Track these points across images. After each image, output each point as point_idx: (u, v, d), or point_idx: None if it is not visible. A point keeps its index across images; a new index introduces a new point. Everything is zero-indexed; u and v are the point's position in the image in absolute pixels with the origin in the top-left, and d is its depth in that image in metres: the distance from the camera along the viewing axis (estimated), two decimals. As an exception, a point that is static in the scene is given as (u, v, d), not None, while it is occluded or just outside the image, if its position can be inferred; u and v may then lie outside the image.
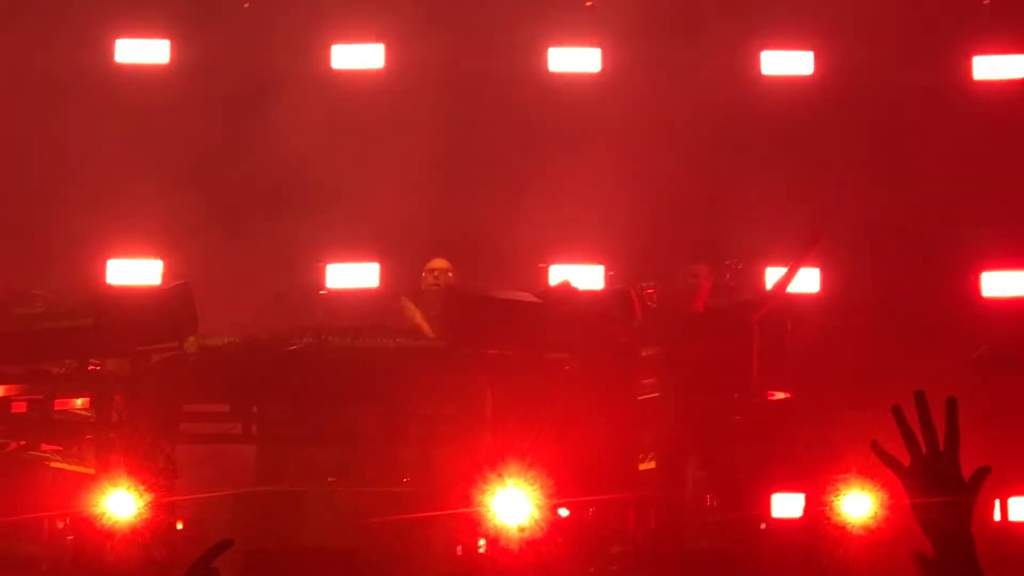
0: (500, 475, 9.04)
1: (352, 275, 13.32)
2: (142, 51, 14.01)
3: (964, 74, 13.91)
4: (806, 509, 10.50)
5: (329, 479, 10.70)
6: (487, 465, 9.14)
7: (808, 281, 13.08)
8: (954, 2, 13.96)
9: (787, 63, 13.93)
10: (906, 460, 2.88)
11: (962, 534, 2.81)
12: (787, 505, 11.06)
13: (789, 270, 10.84)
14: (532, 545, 8.95)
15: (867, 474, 9.63)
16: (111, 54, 13.97)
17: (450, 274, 11.04)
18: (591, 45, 13.91)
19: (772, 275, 12.82)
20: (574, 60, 13.92)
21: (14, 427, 10.40)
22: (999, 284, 13.58)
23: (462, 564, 9.62)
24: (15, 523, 10.30)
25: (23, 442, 10.59)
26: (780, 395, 11.08)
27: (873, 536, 9.40)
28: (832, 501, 9.67)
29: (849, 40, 13.78)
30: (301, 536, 10.35)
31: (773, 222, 12.97)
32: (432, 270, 11.01)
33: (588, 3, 13.97)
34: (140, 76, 13.91)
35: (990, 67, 14.02)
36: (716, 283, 10.88)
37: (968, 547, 2.80)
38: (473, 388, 9.89)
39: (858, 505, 9.63)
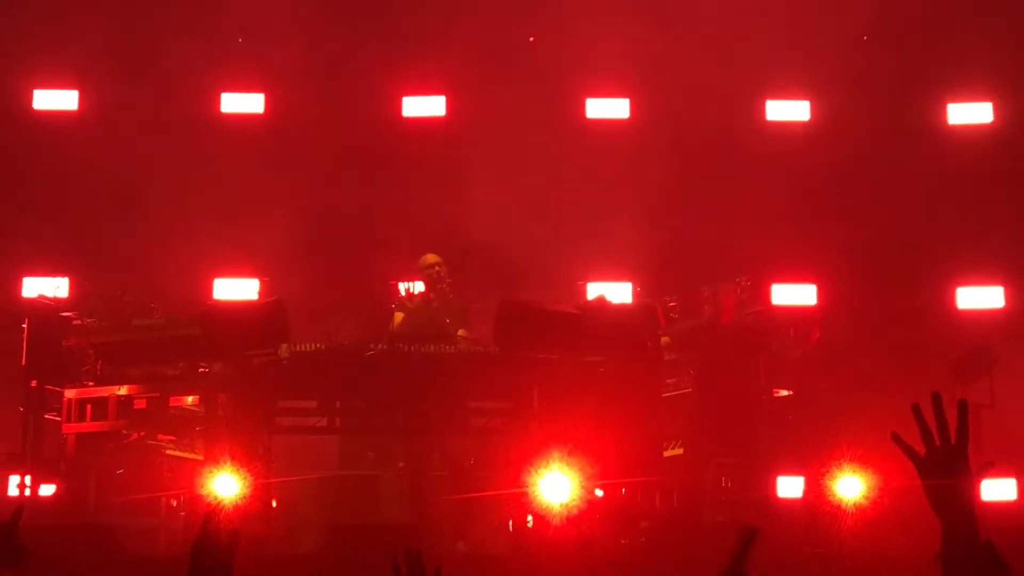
0: (546, 461, 9.05)
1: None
2: (242, 103, 14.08)
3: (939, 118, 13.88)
4: (806, 490, 10.45)
5: (400, 464, 10.73)
6: (535, 452, 9.15)
7: (807, 295, 13.08)
8: (930, 55, 13.89)
9: (787, 111, 13.91)
10: (921, 450, 2.92)
11: (968, 513, 2.84)
12: (790, 486, 11.02)
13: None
14: (573, 521, 8.96)
15: (859, 460, 9.61)
16: (217, 105, 14.06)
17: (443, 267, 11.00)
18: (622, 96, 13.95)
19: (777, 291, 12.83)
20: (607, 108, 13.94)
21: (135, 420, 10.33)
22: (971, 298, 13.56)
23: (513, 537, 9.62)
24: (137, 501, 10.38)
25: (143, 433, 10.60)
26: (784, 392, 11.05)
27: (863, 514, 9.38)
28: (828, 483, 9.65)
29: (839, 90, 13.74)
30: (375, 513, 10.40)
31: (777, 245, 12.98)
32: (431, 266, 10.94)
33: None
34: (240, 125, 13.97)
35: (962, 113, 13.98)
36: (731, 298, 10.86)
37: (972, 523, 2.83)
38: (522, 386, 9.87)
39: (850, 487, 9.59)
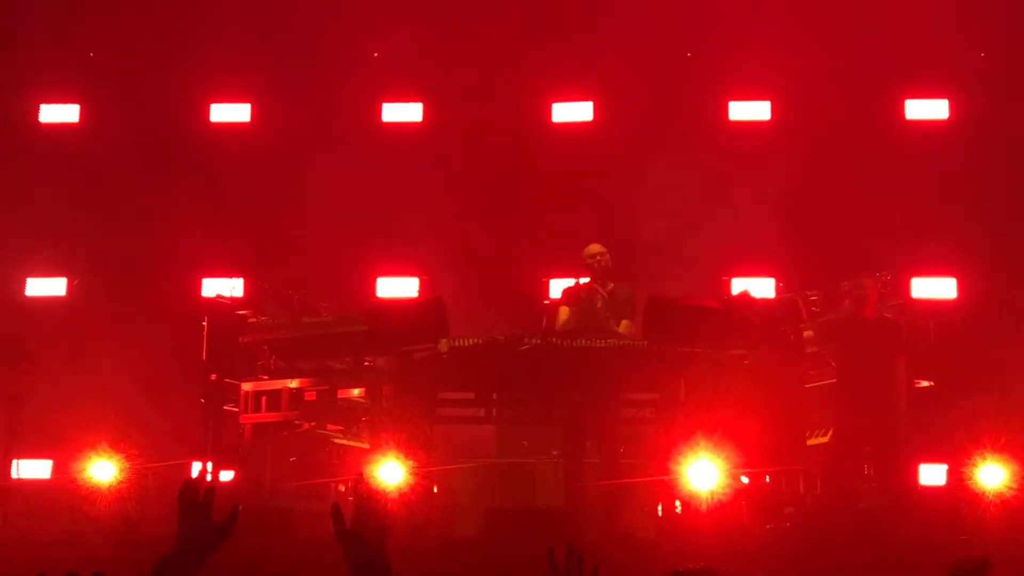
0: (693, 449, 9.06)
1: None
2: (403, 112, 14.27)
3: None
4: (949, 478, 10.28)
5: (554, 452, 10.79)
6: (682, 441, 9.16)
7: (947, 288, 12.86)
8: (890, 54, 13.53)
9: (927, 109, 13.65)
10: None
11: None
12: (932, 474, 10.86)
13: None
14: (720, 506, 8.95)
15: (1001, 449, 9.44)
16: (379, 114, 14.27)
17: (607, 255, 10.63)
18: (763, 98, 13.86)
19: (916, 284, 12.64)
20: (749, 111, 13.85)
21: (306, 411, 10.52)
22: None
23: (661, 522, 9.63)
24: (308, 486, 10.62)
25: (313, 423, 10.81)
26: (925, 383, 10.87)
27: (1006, 503, 9.21)
28: (970, 472, 9.48)
29: (977, 89, 13.41)
30: (531, 499, 10.47)
31: (917, 240, 12.78)
32: (594, 255, 10.61)
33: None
34: (400, 133, 14.20)
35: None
36: (871, 292, 10.71)
37: None
38: (670, 378, 9.89)
39: (993, 476, 9.42)
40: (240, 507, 3.25)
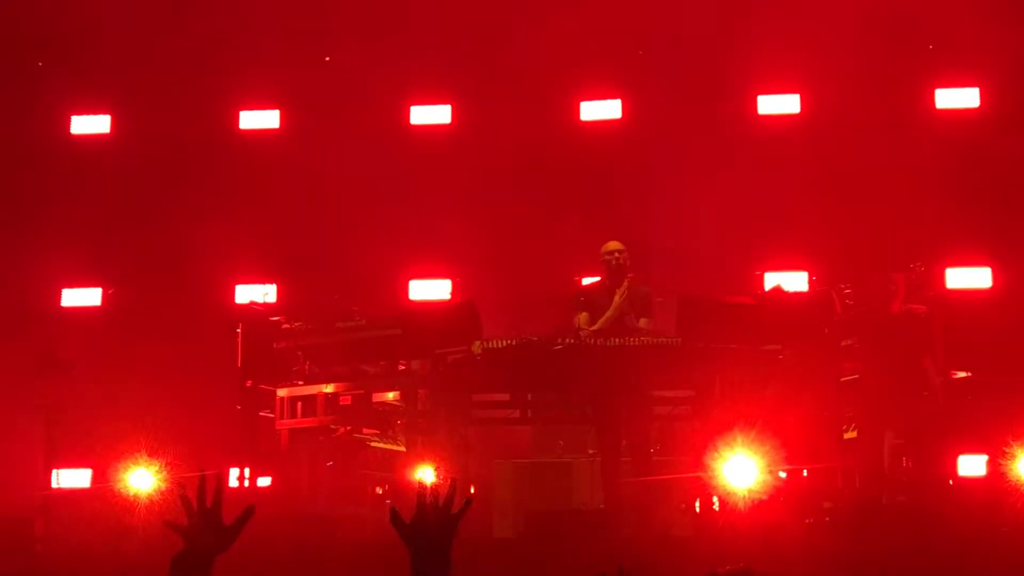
0: (730, 446, 9.03)
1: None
2: (431, 115, 14.30)
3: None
4: (988, 468, 10.22)
5: (590, 451, 10.79)
6: (719, 438, 9.14)
7: (983, 278, 12.79)
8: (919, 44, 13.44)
9: (956, 98, 13.57)
10: None
11: None
12: (972, 465, 10.79)
13: None
14: (758, 503, 8.93)
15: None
16: (407, 118, 14.29)
17: (625, 253, 10.48)
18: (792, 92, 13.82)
19: (951, 275, 12.57)
20: (779, 104, 13.81)
21: (342, 416, 10.57)
22: None
23: (699, 520, 9.61)
24: (346, 489, 10.66)
25: (349, 427, 10.82)
26: (962, 374, 10.80)
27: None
28: (1010, 462, 9.42)
29: (1010, 79, 13.32)
30: (568, 499, 10.47)
31: (949, 232, 12.71)
32: (612, 252, 10.45)
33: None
34: (430, 135, 14.22)
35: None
36: (904, 284, 10.66)
37: None
38: (704, 375, 9.87)
39: (1032, 466, 9.37)
40: (252, 509, 3.34)
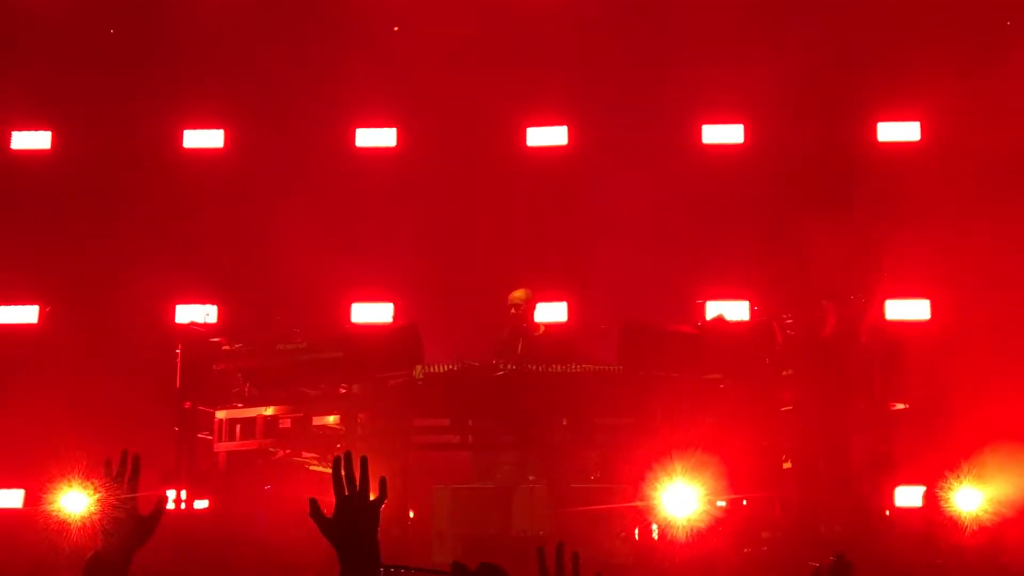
0: (669, 474, 9.06)
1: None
2: (376, 137, 14.24)
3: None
4: (925, 500, 10.30)
5: (530, 478, 10.78)
6: (658, 466, 9.17)
7: (921, 310, 12.92)
8: (860, 77, 13.64)
9: (898, 132, 13.72)
10: None
11: None
12: (909, 496, 10.88)
13: None
14: (697, 531, 8.96)
15: (978, 472, 9.47)
16: (353, 140, 14.22)
17: (522, 304, 10.95)
18: (736, 122, 13.91)
19: (891, 306, 12.70)
20: (722, 134, 13.90)
21: (281, 439, 10.53)
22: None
23: (639, 547, 9.62)
24: (284, 513, 10.57)
25: (288, 451, 10.77)
26: (901, 406, 10.91)
27: (982, 526, 9.24)
28: (947, 495, 9.51)
29: (951, 110, 13.49)
30: (508, 525, 10.44)
31: (891, 262, 12.84)
32: (513, 304, 10.92)
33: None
34: (375, 158, 14.15)
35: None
36: (841, 315, 10.75)
37: None
38: (645, 403, 9.90)
39: (970, 499, 9.46)
40: (164, 501, 3.36)
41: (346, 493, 3.27)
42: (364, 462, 3.29)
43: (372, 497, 3.33)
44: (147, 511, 3.43)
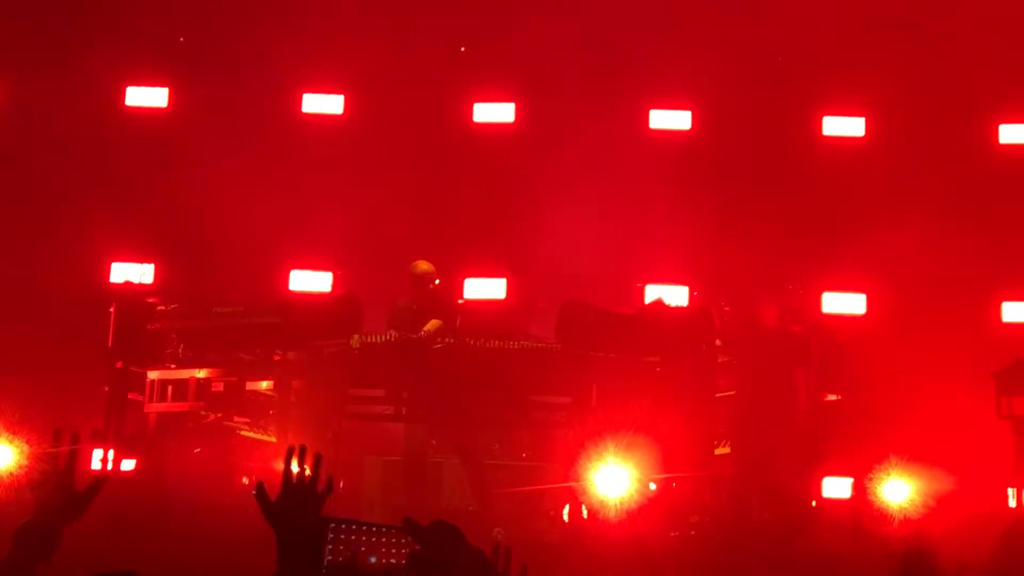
0: (602, 454, 9.05)
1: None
2: (324, 104, 14.09)
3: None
4: (853, 492, 10.38)
5: (432, 443, 10.73)
6: (592, 446, 9.16)
7: (857, 304, 12.99)
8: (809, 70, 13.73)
9: (843, 127, 13.78)
10: None
11: None
12: (837, 487, 10.95)
13: None
14: (627, 512, 8.96)
15: (906, 464, 9.55)
16: (299, 106, 14.07)
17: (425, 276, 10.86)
18: (684, 108, 13.90)
19: (827, 299, 12.77)
20: (669, 120, 13.88)
21: (213, 402, 10.47)
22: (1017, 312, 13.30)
23: (568, 527, 9.62)
24: (213, 477, 10.48)
25: (219, 414, 10.69)
26: (833, 397, 10.98)
27: (908, 517, 9.31)
28: (875, 486, 9.58)
29: (893, 109, 13.55)
30: (438, 498, 10.41)
31: (830, 255, 12.91)
32: (419, 275, 10.81)
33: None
34: (322, 125, 14.01)
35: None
36: (779, 305, 10.80)
37: None
38: (581, 383, 9.90)
39: (897, 491, 9.53)
40: (103, 479, 3.28)
41: (295, 482, 3.20)
42: (318, 459, 3.23)
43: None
44: (83, 487, 3.34)
